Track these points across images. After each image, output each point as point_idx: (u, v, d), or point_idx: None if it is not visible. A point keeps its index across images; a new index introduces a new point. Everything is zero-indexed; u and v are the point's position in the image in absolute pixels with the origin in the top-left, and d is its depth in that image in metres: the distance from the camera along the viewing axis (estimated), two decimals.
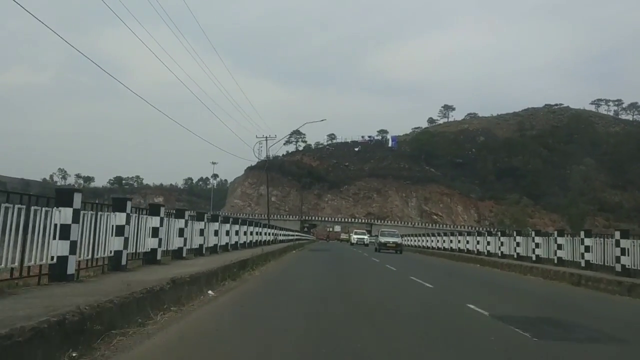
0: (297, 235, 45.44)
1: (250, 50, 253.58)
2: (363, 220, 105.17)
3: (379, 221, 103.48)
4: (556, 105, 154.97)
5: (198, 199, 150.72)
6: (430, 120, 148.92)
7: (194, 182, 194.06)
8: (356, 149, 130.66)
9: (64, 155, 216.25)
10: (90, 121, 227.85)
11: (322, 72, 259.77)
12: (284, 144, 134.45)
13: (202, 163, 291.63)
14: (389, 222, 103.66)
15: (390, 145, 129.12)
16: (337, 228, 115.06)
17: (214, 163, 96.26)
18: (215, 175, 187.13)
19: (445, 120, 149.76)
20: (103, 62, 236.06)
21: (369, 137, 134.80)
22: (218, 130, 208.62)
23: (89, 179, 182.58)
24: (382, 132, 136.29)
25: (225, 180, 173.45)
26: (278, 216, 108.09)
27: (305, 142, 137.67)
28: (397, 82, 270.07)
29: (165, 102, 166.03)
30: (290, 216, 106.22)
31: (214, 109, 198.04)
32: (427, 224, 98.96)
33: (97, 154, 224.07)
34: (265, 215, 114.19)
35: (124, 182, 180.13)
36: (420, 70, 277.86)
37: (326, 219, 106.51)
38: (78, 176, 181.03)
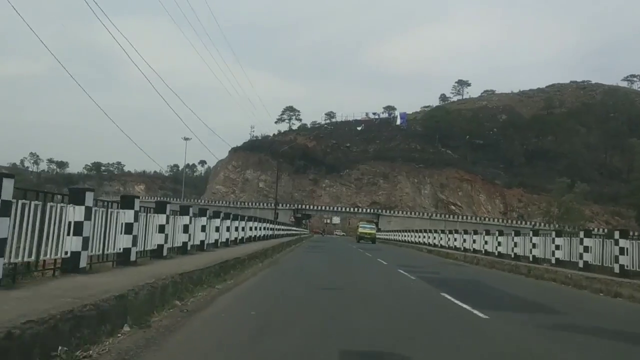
0: (270, 228, 25.37)
1: (249, 42, 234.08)
2: (367, 210, 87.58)
3: (387, 211, 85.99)
4: (583, 82, 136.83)
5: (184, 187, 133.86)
6: (443, 98, 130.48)
7: (179, 169, 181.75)
8: (359, 128, 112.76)
9: (37, 139, 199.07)
10: (76, 110, 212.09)
11: (323, 64, 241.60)
12: (275, 122, 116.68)
13: (190, 149, 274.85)
14: (398, 212, 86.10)
15: (398, 123, 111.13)
16: (336, 220, 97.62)
17: (186, 139, 77.59)
18: (203, 162, 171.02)
19: (460, 97, 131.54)
20: (102, 53, 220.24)
21: (374, 114, 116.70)
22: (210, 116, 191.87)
23: (62, 164, 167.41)
24: (389, 108, 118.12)
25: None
26: (266, 204, 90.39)
27: (299, 120, 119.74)
28: (404, 67, 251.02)
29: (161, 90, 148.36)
30: (281, 205, 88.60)
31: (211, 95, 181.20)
32: (445, 216, 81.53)
33: (74, 139, 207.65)
34: (253, 204, 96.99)
35: (103, 168, 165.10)
36: (427, 57, 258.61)
37: (323, 208, 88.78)
38: (50, 161, 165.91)
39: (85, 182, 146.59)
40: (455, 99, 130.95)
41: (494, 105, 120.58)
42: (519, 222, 77.76)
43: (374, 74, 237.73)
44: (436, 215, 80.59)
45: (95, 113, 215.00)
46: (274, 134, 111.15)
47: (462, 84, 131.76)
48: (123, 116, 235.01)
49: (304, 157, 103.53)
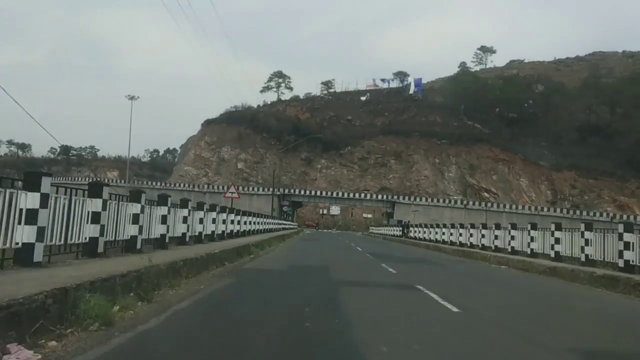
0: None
1: (247, 32, 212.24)
2: (376, 197, 66.63)
3: (402, 198, 65.00)
4: (624, 51, 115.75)
5: (162, 174, 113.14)
6: (463, 66, 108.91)
7: (160, 154, 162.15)
8: (363, 98, 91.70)
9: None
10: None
11: (325, 55, 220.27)
12: (261, 91, 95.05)
13: (175, 132, 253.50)
14: (417, 199, 65.13)
15: (412, 92, 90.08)
16: (335, 210, 76.84)
17: (132, 98, 56.04)
18: (181, 147, 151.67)
19: (483, 67, 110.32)
20: (96, 42, 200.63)
21: (382, 80, 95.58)
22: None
23: (24, 147, 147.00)
24: (400, 75, 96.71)
25: None
26: (247, 189, 69.11)
27: (290, 88, 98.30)
28: (417, 46, 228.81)
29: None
30: (263, 189, 67.75)
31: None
32: (485, 204, 60.68)
33: (40, 120, 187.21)
34: (226, 187, 75.96)
35: (73, 152, 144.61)
36: (443, 32, 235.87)
37: (318, 194, 67.61)
38: (10, 142, 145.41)
39: (50, 167, 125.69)
40: (477, 68, 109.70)
41: (526, 74, 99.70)
42: (583, 213, 56.99)
43: (382, 54, 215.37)
44: (472, 204, 59.70)
45: (64, 97, 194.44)
46: (258, 105, 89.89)
47: (485, 50, 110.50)
48: (112, 103, 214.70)
49: (295, 132, 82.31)
